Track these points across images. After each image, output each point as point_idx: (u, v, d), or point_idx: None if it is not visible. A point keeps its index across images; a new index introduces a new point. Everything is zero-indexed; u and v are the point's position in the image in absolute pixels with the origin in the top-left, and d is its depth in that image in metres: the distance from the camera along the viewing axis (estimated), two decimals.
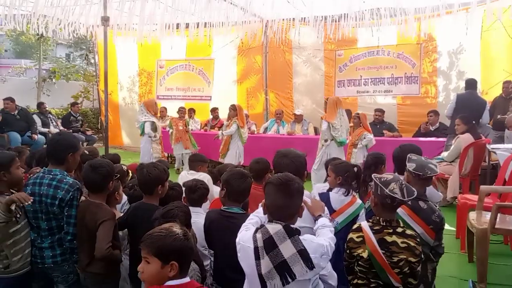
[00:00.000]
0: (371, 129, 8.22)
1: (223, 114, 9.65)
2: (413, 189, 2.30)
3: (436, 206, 2.84)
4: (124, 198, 3.42)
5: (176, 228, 1.86)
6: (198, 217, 3.02)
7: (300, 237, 1.95)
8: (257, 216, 2.21)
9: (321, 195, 3.00)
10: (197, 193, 3.15)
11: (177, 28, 9.05)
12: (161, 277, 1.79)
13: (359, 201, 2.96)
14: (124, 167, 3.60)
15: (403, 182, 2.31)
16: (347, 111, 8.56)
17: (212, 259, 2.67)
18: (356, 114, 6.80)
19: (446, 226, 4.65)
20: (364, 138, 6.47)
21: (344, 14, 8.08)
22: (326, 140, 6.42)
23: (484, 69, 7.89)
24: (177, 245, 1.79)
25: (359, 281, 2.34)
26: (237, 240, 2.05)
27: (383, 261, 2.21)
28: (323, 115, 6.57)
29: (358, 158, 6.31)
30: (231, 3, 7.67)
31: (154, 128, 7.55)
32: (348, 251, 2.37)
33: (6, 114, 8.53)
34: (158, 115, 8.48)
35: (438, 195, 3.73)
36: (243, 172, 2.75)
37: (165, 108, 10.12)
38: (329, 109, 6.46)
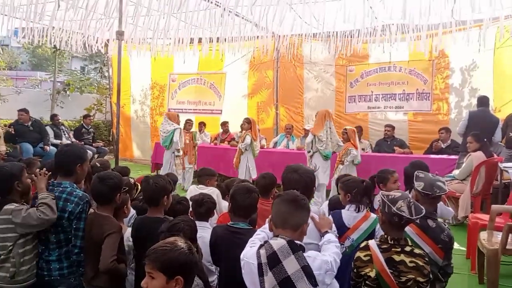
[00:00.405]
0: (382, 145, 8.23)
1: (234, 128, 9.69)
2: (421, 207, 2.27)
3: (447, 224, 2.79)
4: (132, 211, 3.43)
5: (181, 242, 1.85)
6: (205, 231, 3.01)
7: (304, 253, 1.93)
8: (263, 231, 2.20)
9: (333, 214, 2.98)
10: (204, 207, 3.14)
11: (191, 42, 9.16)
12: None
13: (373, 216, 2.91)
14: (132, 180, 3.61)
15: (411, 200, 2.28)
16: (358, 127, 8.60)
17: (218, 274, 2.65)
18: (344, 129, 6.81)
19: (457, 246, 4.59)
20: (350, 153, 6.45)
21: (356, 30, 8.10)
22: (309, 152, 6.58)
23: (497, 86, 7.82)
24: (182, 260, 1.78)
25: None
26: (241, 256, 2.04)
27: (391, 280, 2.18)
28: (311, 128, 6.73)
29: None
30: (243, 18, 7.74)
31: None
32: (355, 270, 2.34)
33: (19, 125, 8.64)
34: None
35: (449, 212, 3.68)
36: (248, 187, 2.74)
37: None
38: (317, 121, 6.63)
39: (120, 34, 6.35)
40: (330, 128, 6.51)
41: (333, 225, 2.41)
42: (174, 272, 1.76)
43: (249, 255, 2.00)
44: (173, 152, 7.57)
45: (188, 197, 3.73)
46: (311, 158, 6.60)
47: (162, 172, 7.55)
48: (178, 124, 8.08)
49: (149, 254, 1.80)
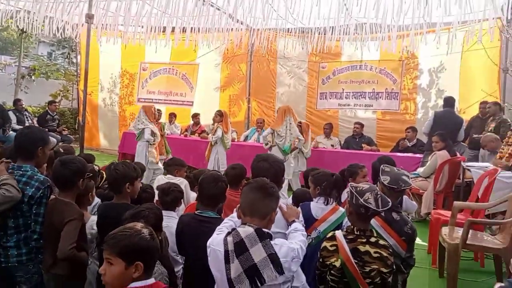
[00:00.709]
0: (350, 142, 8.36)
1: (205, 120, 9.61)
2: (388, 199, 2.31)
3: (410, 217, 2.85)
4: (96, 199, 3.33)
5: (141, 227, 1.79)
6: (171, 221, 2.96)
7: (272, 241, 1.93)
8: (231, 220, 2.19)
9: (302, 205, 2.99)
10: (170, 195, 3.09)
11: (163, 31, 8.99)
12: (125, 279, 1.71)
13: (341, 209, 2.94)
14: (96, 167, 3.51)
15: (379, 193, 2.31)
16: (328, 124, 8.70)
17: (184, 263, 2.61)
18: (299, 122, 6.97)
19: (419, 241, 4.71)
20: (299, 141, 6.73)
21: (330, 27, 8.17)
22: (266, 144, 6.79)
23: (463, 88, 8.08)
24: (142, 245, 1.73)
25: None
26: (208, 243, 2.02)
27: (355, 270, 2.20)
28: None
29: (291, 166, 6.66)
30: (218, 9, 7.67)
31: (152, 134, 7.33)
32: (321, 260, 2.35)
33: None
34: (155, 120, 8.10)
35: (413, 206, 3.79)
36: (215, 176, 2.71)
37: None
38: (277, 117, 6.85)
39: (89, 18, 6.15)
40: (290, 123, 6.63)
41: (300, 215, 2.42)
42: (134, 258, 1.71)
43: (216, 242, 1.98)
44: (148, 141, 7.34)
45: (155, 186, 3.67)
46: (269, 151, 6.67)
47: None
48: (156, 120, 7.73)
49: (108, 239, 1.75)
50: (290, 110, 6.78)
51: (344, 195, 3.21)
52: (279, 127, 6.62)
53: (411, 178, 5.97)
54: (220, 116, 7.51)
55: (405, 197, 3.47)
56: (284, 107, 6.96)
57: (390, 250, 2.28)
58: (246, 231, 1.93)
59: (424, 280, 4.10)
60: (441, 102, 7.74)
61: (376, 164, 3.51)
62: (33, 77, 13.42)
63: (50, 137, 3.22)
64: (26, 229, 2.61)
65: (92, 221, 2.97)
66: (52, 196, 2.73)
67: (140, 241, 1.73)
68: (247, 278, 1.87)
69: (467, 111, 7.88)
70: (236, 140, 8.80)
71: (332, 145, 8.51)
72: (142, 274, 1.72)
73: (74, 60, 13.56)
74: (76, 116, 12.55)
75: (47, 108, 10.37)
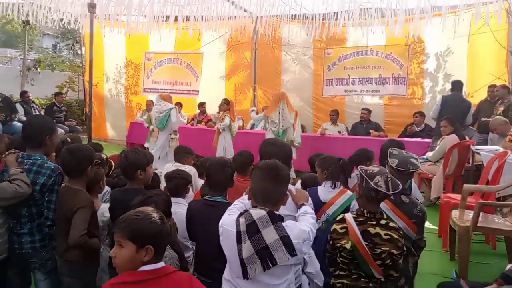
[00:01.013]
0: (357, 128, 8.31)
1: (210, 109, 9.59)
2: (398, 182, 2.29)
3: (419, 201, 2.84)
4: (106, 188, 3.35)
5: (152, 212, 1.80)
6: (179, 207, 2.97)
7: (283, 223, 1.93)
8: (241, 202, 2.19)
9: (309, 190, 2.98)
10: (172, 182, 3.10)
11: (166, 20, 8.94)
12: (135, 262, 1.71)
13: (349, 192, 2.93)
14: (104, 156, 3.52)
15: (389, 176, 2.30)
16: (335, 111, 8.65)
17: (193, 247, 2.62)
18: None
19: (429, 225, 4.72)
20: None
21: (334, 12, 8.07)
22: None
23: (471, 72, 7.98)
24: (153, 229, 1.73)
25: (341, 273, 2.32)
26: (219, 223, 2.03)
27: (365, 252, 2.20)
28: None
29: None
30: None
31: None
32: (331, 242, 2.35)
33: None
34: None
35: (420, 196, 3.77)
36: (222, 161, 2.71)
37: (152, 102, 9.97)
38: (271, 102, 6.91)
39: (91, 7, 6.11)
40: (283, 109, 6.61)
41: (310, 198, 2.41)
42: (144, 241, 1.71)
43: (228, 222, 1.99)
44: (170, 134, 7.14)
45: (163, 174, 3.68)
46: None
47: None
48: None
49: (119, 222, 1.75)
50: (284, 96, 6.78)
51: (354, 180, 3.20)
52: (271, 113, 6.66)
53: (420, 162, 6.01)
54: (227, 105, 7.53)
55: (414, 185, 3.46)
56: (279, 93, 6.99)
57: (401, 232, 2.28)
58: (258, 213, 1.94)
59: (435, 263, 4.10)
60: (448, 86, 7.66)
61: (385, 146, 3.48)
62: (38, 69, 13.45)
63: (57, 128, 3.23)
64: (39, 216, 2.65)
65: (103, 208, 2.99)
66: (62, 185, 2.75)
67: (150, 225, 1.73)
68: (258, 259, 1.88)
69: (475, 94, 7.79)
70: (242, 128, 8.78)
71: (339, 132, 8.48)
72: (152, 258, 1.72)
73: (79, 52, 13.56)
74: (83, 107, 12.59)
75: (54, 100, 10.40)
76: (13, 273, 2.74)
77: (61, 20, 8.74)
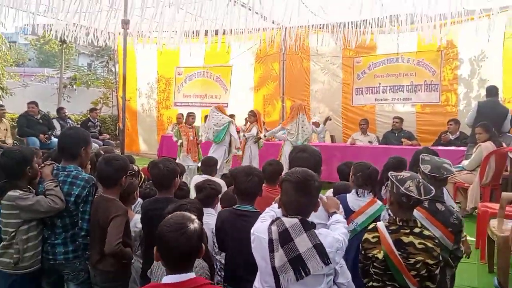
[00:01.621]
0: (389, 137, 8.16)
1: (239, 121, 9.65)
2: (431, 187, 2.21)
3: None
4: (138, 200, 3.41)
5: (182, 222, 1.73)
6: (210, 218, 2.98)
7: (316, 231, 1.91)
8: (273, 210, 2.18)
9: (339, 197, 2.94)
10: (203, 192, 3.12)
11: (196, 35, 9.13)
12: None
13: (379, 202, 2.88)
14: (136, 167, 3.59)
15: (420, 180, 2.22)
16: (364, 120, 8.53)
17: (218, 258, 2.62)
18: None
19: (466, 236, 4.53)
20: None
21: (363, 20, 8.02)
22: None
23: (507, 76, 7.70)
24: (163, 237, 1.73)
25: (374, 284, 2.25)
26: (252, 230, 2.02)
27: (399, 262, 2.13)
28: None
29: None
30: (249, 10, 7.70)
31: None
32: (363, 252, 2.29)
33: (29, 118, 8.71)
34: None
35: (452, 203, 3.63)
36: (248, 170, 2.70)
37: (182, 115, 10.14)
38: (290, 115, 7.03)
39: (125, 23, 6.32)
40: (303, 121, 6.82)
41: (341, 206, 2.37)
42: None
43: (261, 230, 1.98)
44: (226, 147, 7.09)
45: (193, 186, 3.72)
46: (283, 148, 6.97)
47: None
48: (189, 124, 7.74)
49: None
50: (302, 108, 6.99)
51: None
52: (288, 125, 6.84)
53: (456, 171, 5.81)
54: (253, 116, 7.58)
55: (445, 192, 3.34)
56: (297, 105, 7.13)
57: (436, 241, 2.20)
58: (290, 221, 1.92)
59: (473, 275, 3.95)
60: (484, 92, 7.40)
61: (417, 154, 3.39)
62: (74, 86, 13.96)
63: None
64: (73, 227, 2.70)
65: (135, 219, 3.03)
66: (96, 195, 2.82)
67: (166, 233, 1.71)
68: (291, 268, 1.85)
69: None
70: (271, 140, 8.76)
71: (370, 142, 8.33)
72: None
73: (113, 69, 14.00)
74: (116, 122, 12.94)
75: (88, 116, 10.74)
76: (47, 284, 2.79)
77: (96, 38, 9.06)
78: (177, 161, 7.61)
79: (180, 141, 7.66)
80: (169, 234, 1.70)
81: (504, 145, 5.91)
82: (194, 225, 1.73)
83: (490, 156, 5.55)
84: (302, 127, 6.76)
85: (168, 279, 1.72)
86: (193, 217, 1.78)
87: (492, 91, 6.90)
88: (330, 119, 8.36)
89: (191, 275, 1.74)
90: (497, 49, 7.71)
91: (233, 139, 7.28)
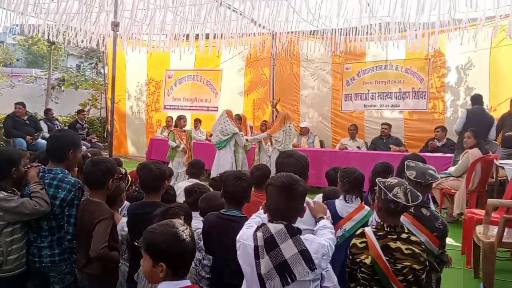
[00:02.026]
0: (377, 143, 8.23)
1: None
2: (418, 193, 2.24)
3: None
4: (125, 203, 3.38)
5: (174, 227, 1.71)
6: (198, 222, 2.96)
7: (302, 236, 1.90)
8: (259, 216, 2.17)
9: (327, 203, 2.94)
10: (193, 196, 3.09)
11: (187, 39, 9.12)
12: (154, 276, 1.68)
13: (367, 208, 2.88)
14: (123, 170, 3.56)
15: (408, 187, 2.25)
16: (353, 125, 8.60)
17: (204, 262, 2.60)
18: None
19: (452, 242, 4.60)
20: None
21: (353, 27, 8.09)
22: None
23: (493, 85, 7.83)
24: (165, 246, 1.65)
25: None
26: (237, 237, 2.00)
27: (386, 267, 2.14)
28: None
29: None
30: (240, 14, 7.72)
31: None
32: (350, 257, 2.30)
33: (16, 119, 8.60)
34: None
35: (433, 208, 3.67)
36: (237, 174, 2.68)
37: (172, 118, 10.11)
38: (276, 123, 7.15)
39: (115, 25, 6.28)
40: (290, 129, 6.99)
41: (328, 211, 2.38)
42: (157, 257, 1.65)
43: (246, 236, 1.97)
44: (231, 150, 7.01)
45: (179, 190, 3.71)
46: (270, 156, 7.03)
47: (215, 172, 6.58)
48: (181, 128, 7.65)
49: (144, 232, 1.74)
50: (289, 117, 7.25)
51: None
52: (276, 133, 6.95)
53: (442, 178, 5.87)
54: (238, 120, 7.55)
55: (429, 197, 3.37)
56: (284, 113, 7.36)
57: (423, 247, 2.21)
58: (276, 227, 1.91)
59: (458, 281, 3.99)
60: None
61: (403, 160, 3.42)
62: (62, 88, 13.83)
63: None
64: (60, 230, 2.67)
65: (122, 222, 3.01)
66: (83, 198, 2.79)
67: (163, 241, 1.65)
68: (277, 274, 1.84)
69: (498, 108, 7.62)
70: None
71: (358, 147, 8.39)
72: (169, 275, 1.66)
73: (102, 71, 13.90)
74: (104, 124, 12.84)
75: (76, 117, 10.65)
76: (33, 286, 2.76)
77: (86, 40, 8.99)
78: (170, 165, 7.49)
79: (182, 145, 7.48)
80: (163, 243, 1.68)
81: (490, 152, 6.00)
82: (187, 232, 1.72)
83: (476, 163, 5.62)
84: (289, 136, 6.94)
85: (165, 285, 1.68)
86: (173, 229, 1.72)
87: (477, 99, 7.01)
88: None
89: (184, 282, 1.72)
90: (484, 58, 7.84)
91: (238, 144, 7.17)
